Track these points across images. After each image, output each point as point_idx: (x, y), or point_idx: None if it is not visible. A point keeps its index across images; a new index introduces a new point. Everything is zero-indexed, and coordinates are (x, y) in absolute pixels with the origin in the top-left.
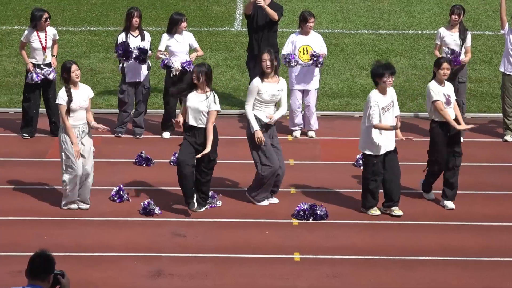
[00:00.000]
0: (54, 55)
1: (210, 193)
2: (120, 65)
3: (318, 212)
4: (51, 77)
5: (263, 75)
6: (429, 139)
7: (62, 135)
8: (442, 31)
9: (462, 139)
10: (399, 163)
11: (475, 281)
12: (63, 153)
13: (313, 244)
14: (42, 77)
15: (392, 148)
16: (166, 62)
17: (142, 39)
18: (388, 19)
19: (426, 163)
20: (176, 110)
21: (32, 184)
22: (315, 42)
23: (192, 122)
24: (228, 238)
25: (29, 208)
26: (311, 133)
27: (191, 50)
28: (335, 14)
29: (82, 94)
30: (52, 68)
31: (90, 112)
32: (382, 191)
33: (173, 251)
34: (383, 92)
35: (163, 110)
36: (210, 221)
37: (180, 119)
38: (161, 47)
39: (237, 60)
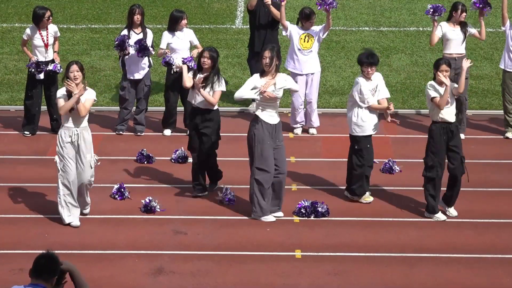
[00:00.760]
0: (56, 51)
1: (224, 188)
2: (120, 60)
3: (319, 209)
4: (57, 69)
5: (263, 72)
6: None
7: (57, 137)
8: (444, 25)
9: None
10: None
11: (479, 279)
12: (56, 156)
13: (315, 241)
14: (49, 68)
15: (374, 132)
16: (167, 59)
17: (145, 36)
18: (389, 16)
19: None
20: (177, 108)
21: (33, 182)
22: (315, 31)
23: (197, 102)
24: (229, 235)
25: (30, 206)
26: (312, 130)
27: (192, 47)
28: (336, 11)
29: (83, 97)
30: (56, 62)
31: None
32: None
33: (174, 248)
34: (367, 77)
35: (164, 108)
36: (212, 218)
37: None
38: (163, 45)
39: (238, 57)
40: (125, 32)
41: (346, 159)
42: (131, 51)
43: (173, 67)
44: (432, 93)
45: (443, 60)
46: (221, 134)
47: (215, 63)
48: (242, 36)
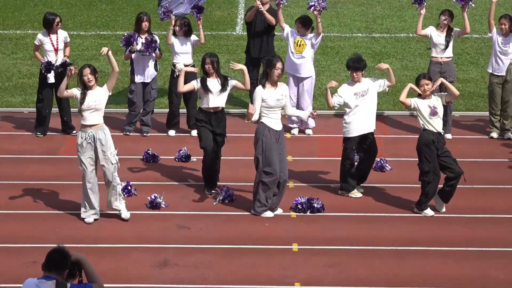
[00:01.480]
0: (66, 55)
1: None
2: (129, 68)
3: (315, 205)
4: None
5: (265, 81)
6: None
7: (76, 142)
8: (432, 30)
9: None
10: (389, 159)
11: (465, 271)
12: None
13: (311, 235)
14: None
15: (369, 131)
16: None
17: None
18: (381, 23)
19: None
20: (180, 110)
21: (45, 179)
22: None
23: (212, 104)
24: (230, 230)
25: (42, 202)
26: (308, 131)
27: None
28: (331, 19)
29: (95, 95)
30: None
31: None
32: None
33: (178, 242)
34: (353, 81)
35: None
36: (213, 214)
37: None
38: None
39: (238, 62)
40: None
41: (340, 158)
42: (138, 47)
43: (175, 70)
44: (411, 102)
45: (421, 75)
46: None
47: (218, 66)
48: (242, 42)
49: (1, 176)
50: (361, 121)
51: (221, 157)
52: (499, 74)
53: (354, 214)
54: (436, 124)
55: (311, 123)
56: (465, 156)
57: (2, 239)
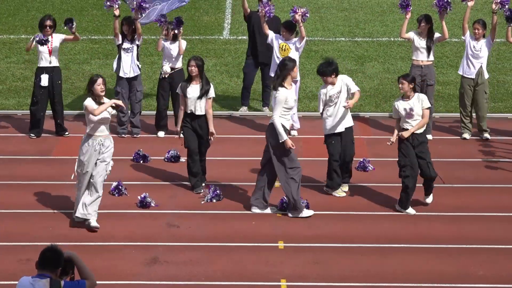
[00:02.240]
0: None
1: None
2: (115, 65)
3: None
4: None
5: (284, 83)
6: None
7: (83, 145)
8: (413, 34)
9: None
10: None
11: (446, 267)
12: (77, 162)
13: (296, 233)
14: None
15: (342, 129)
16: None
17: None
18: (363, 28)
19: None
20: (168, 112)
21: (38, 179)
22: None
23: (193, 111)
24: (218, 228)
25: (36, 202)
26: (294, 132)
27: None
28: (315, 23)
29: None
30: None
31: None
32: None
33: (168, 240)
34: (330, 83)
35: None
36: (202, 213)
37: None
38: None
39: (225, 65)
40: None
41: (324, 158)
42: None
43: (161, 72)
44: (394, 114)
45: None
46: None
47: (201, 70)
48: (229, 46)
49: None
50: (337, 120)
51: (211, 158)
52: (470, 76)
53: (338, 212)
54: (413, 124)
55: (297, 124)
56: (444, 156)
57: None
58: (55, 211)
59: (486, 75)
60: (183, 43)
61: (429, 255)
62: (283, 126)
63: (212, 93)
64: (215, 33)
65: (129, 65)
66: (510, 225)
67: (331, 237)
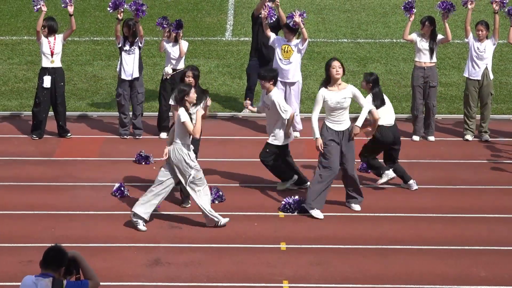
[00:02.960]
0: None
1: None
2: (118, 67)
3: (303, 205)
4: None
5: (327, 83)
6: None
7: (181, 153)
8: (416, 36)
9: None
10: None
11: (448, 268)
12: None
13: (298, 234)
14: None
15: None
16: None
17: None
18: (365, 29)
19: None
20: (170, 113)
21: (40, 181)
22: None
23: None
24: (220, 229)
25: (38, 203)
26: (296, 133)
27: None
28: (317, 25)
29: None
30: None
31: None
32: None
33: (169, 241)
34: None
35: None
36: None
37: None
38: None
39: (228, 67)
40: (121, 40)
41: None
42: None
43: (163, 74)
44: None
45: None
46: (213, 137)
47: (197, 80)
48: (232, 48)
49: None
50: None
51: (213, 159)
52: (475, 78)
53: (340, 214)
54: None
55: (299, 125)
56: (446, 157)
57: None
58: (56, 212)
59: (491, 76)
60: (184, 45)
61: (430, 257)
62: (328, 127)
63: (209, 101)
64: (217, 35)
65: (130, 67)
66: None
67: (332, 239)
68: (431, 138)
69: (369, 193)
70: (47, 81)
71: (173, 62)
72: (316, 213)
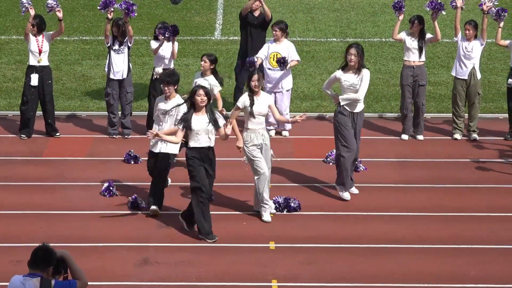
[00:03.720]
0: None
1: None
2: (106, 66)
3: (292, 204)
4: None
5: (344, 67)
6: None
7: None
8: (405, 35)
9: (421, 137)
10: (363, 159)
11: (444, 268)
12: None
13: (288, 234)
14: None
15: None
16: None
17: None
18: (355, 28)
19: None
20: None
21: (30, 180)
22: (285, 50)
23: (201, 144)
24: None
25: (27, 203)
26: (285, 133)
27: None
28: (307, 24)
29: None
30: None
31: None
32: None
33: (159, 241)
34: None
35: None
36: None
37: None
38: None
39: (217, 66)
40: (109, 40)
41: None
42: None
43: (153, 73)
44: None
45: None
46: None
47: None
48: (221, 47)
49: None
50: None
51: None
52: (462, 77)
53: (330, 213)
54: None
55: (288, 125)
56: (435, 156)
57: None
58: (46, 211)
59: (479, 76)
60: (176, 47)
61: (426, 256)
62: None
63: (221, 121)
64: (206, 34)
65: (120, 67)
66: (503, 225)
67: (322, 238)
68: (420, 137)
69: (360, 192)
70: (34, 79)
71: (165, 61)
72: (346, 195)
